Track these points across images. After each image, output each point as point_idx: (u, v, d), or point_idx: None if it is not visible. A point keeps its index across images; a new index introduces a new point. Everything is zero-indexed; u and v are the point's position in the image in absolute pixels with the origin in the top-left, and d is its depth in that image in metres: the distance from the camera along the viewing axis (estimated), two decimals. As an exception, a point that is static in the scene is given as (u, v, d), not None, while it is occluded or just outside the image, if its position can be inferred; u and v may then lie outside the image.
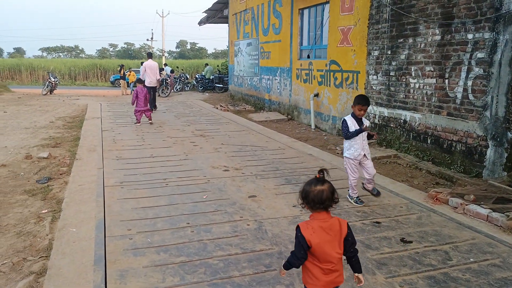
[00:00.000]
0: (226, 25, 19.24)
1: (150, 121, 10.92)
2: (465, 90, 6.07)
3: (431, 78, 6.71)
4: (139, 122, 10.76)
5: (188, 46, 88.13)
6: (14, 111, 13.59)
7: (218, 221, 4.35)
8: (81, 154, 7.25)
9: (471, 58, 5.95)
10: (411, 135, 7.25)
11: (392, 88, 7.69)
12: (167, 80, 21.39)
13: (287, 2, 12.02)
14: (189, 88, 25.00)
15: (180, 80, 24.49)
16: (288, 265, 2.26)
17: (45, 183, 5.71)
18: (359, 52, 8.65)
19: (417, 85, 7.05)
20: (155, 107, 14.03)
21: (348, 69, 9.12)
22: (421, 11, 6.86)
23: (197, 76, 25.53)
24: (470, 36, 5.96)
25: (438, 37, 6.54)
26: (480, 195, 4.79)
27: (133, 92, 11.10)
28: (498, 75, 5.55)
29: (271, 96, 13.83)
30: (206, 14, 21.70)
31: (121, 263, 3.43)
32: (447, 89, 6.40)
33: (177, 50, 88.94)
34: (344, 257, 2.29)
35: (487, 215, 4.37)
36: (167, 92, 20.29)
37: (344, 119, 4.77)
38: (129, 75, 23.83)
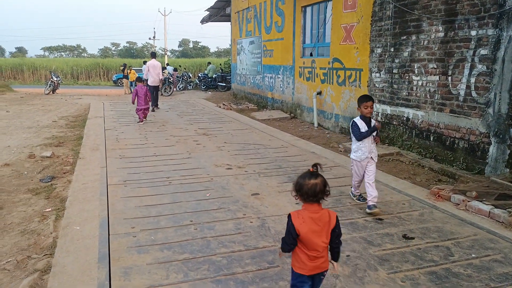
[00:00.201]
0: (229, 23, 19.25)
1: (144, 119, 10.97)
2: (468, 87, 6.06)
3: (434, 75, 6.70)
4: (142, 121, 10.84)
5: (191, 45, 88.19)
6: (17, 110, 13.66)
7: (221, 218, 4.37)
8: (84, 153, 7.29)
9: (474, 55, 5.93)
10: (413, 133, 7.25)
11: (395, 86, 7.69)
12: (170, 79, 21.42)
13: (289, 0, 12.02)
14: (192, 87, 25.06)
15: (182, 79, 24.53)
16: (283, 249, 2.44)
17: (49, 182, 5.75)
18: (362, 49, 8.65)
19: (420, 83, 7.04)
20: (157, 106, 14.14)
21: (351, 67, 9.12)
22: (424, 8, 6.85)
23: (199, 75, 25.59)
24: (473, 32, 5.95)
25: (441, 34, 6.53)
26: (482, 192, 4.79)
27: (133, 90, 11.19)
28: (501, 72, 5.54)
29: (273, 94, 13.83)
30: (208, 13, 21.70)
31: (125, 260, 3.46)
32: (450, 86, 6.39)
33: (180, 49, 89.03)
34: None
35: (489, 211, 4.37)
36: (169, 91, 20.33)
37: (354, 121, 4.62)
38: (129, 73, 23.87)
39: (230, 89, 20.58)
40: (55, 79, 22.26)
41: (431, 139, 6.82)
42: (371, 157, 4.63)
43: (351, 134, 4.69)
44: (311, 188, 2.34)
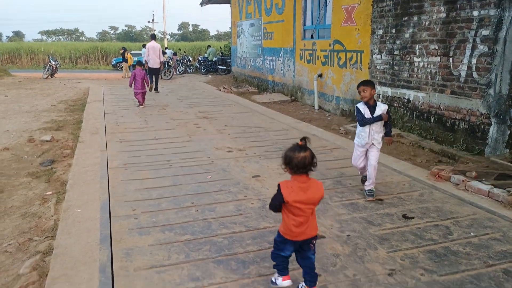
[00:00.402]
0: (229, 5, 18.99)
1: (142, 103, 10.87)
2: (469, 68, 6.01)
3: (436, 56, 6.64)
4: (142, 105, 10.80)
5: (190, 28, 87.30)
6: (15, 95, 13.61)
7: (222, 200, 4.39)
8: (84, 137, 7.28)
9: (476, 35, 5.86)
10: (414, 114, 7.22)
11: (396, 67, 7.63)
12: (170, 62, 21.27)
13: (289, -19, 11.84)
14: (192, 70, 24.90)
15: (182, 62, 24.35)
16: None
17: (49, 165, 5.76)
18: (363, 31, 8.55)
19: (421, 64, 6.98)
20: (156, 89, 14.07)
21: (352, 49, 9.03)
22: (425, -12, 6.75)
23: (199, 58, 25.37)
24: (475, 13, 5.87)
25: (443, 15, 6.44)
26: (482, 172, 4.79)
27: (131, 74, 11.13)
28: (502, 52, 5.48)
29: (274, 77, 13.75)
30: (207, -5, 21.39)
31: (127, 242, 3.49)
32: (451, 67, 6.33)
33: (179, 32, 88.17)
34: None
35: (488, 191, 4.39)
36: (169, 74, 20.21)
37: (357, 106, 4.52)
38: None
39: (231, 72, 20.45)
40: (53, 63, 22.09)
41: (432, 120, 6.80)
42: (373, 143, 4.48)
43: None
44: (300, 161, 2.49)
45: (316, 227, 2.63)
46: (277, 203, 2.55)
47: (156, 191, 4.65)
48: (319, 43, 10.44)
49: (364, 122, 4.41)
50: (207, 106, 10.94)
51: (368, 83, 4.42)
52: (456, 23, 6.19)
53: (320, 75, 10.39)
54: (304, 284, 2.72)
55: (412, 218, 3.92)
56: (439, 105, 6.61)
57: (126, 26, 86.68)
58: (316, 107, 10.54)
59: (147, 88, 11.13)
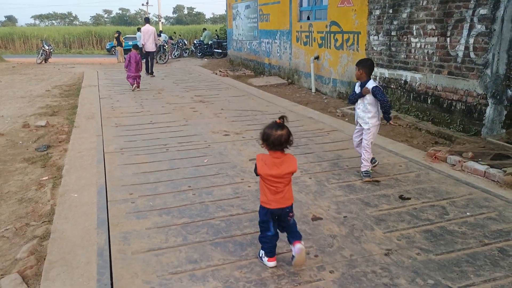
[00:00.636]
0: (223, -13, 18.69)
1: (138, 88, 10.87)
2: (466, 48, 5.96)
3: (433, 36, 6.57)
4: (133, 86, 10.79)
5: (185, 11, 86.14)
6: (9, 80, 13.46)
7: (219, 183, 4.39)
8: (80, 122, 7.23)
9: (474, 15, 5.80)
10: (411, 96, 7.19)
11: (393, 49, 7.56)
12: (165, 46, 21.02)
13: (284, -39, 11.63)
14: (188, 54, 24.64)
15: (178, 46, 24.08)
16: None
17: (44, 151, 5.73)
18: (360, 11, 8.44)
19: (418, 45, 6.92)
20: (152, 73, 14.02)
21: (348, 30, 8.93)
22: (423, -34, 6.64)
23: (195, 41, 25.09)
24: (473, -9, 5.79)
25: (440, -7, 6.35)
26: (478, 152, 4.80)
27: (126, 57, 11.09)
28: (500, 32, 5.43)
29: (271, 60, 13.63)
30: (202, -24, 21.03)
31: (124, 225, 3.49)
32: (449, 47, 6.28)
33: (174, 15, 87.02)
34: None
35: (485, 171, 4.40)
36: (165, 58, 20.00)
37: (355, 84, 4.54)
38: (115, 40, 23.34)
39: (227, 56, 20.26)
40: (47, 47, 21.81)
41: (429, 102, 6.78)
42: (360, 124, 4.48)
43: None
44: (277, 138, 2.64)
45: (291, 198, 2.81)
46: (255, 173, 2.79)
47: (153, 175, 4.64)
48: (316, 25, 10.32)
49: (349, 100, 4.56)
50: (203, 90, 10.86)
51: (358, 63, 4.44)
52: (454, 2, 6.11)
53: (316, 57, 10.30)
54: (292, 246, 2.83)
55: (409, 199, 3.94)
56: (436, 86, 6.58)
57: (120, 9, 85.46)
58: (313, 90, 10.49)
59: (140, 73, 11.08)
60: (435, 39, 6.52)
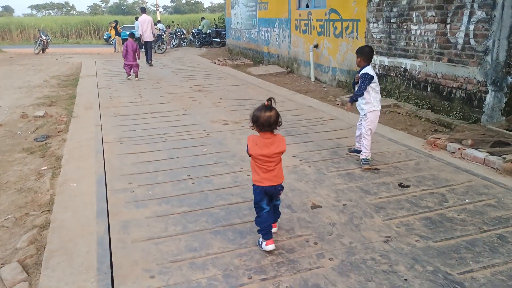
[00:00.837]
0: (221, -25, 18.48)
1: (136, 79, 10.87)
2: (466, 35, 5.91)
3: (433, 23, 6.51)
4: (130, 75, 10.83)
5: (183, 0, 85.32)
6: (7, 71, 13.39)
7: (218, 172, 4.38)
8: (78, 112, 7.20)
9: (474, 1, 5.74)
10: (411, 84, 7.15)
11: (392, 36, 7.50)
12: (163, 35, 20.87)
13: None
14: (186, 43, 24.47)
15: (176, 35, 23.90)
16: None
17: (43, 141, 5.71)
18: (358, -2, 8.35)
19: (418, 32, 6.86)
20: (151, 62, 14.07)
21: (348, 18, 8.85)
22: (423, -48, 6.55)
23: (193, 31, 24.89)
24: (473, -23, 5.72)
25: (440, -21, 6.28)
26: (478, 140, 4.79)
27: (123, 46, 11.10)
28: (500, 18, 5.38)
29: (269, 49, 13.54)
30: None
31: (124, 214, 3.49)
32: (449, 34, 6.23)
33: (172, 4, 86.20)
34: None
35: (484, 159, 4.40)
36: (163, 48, 19.87)
37: None
38: (110, 30, 23.11)
39: (225, 45, 20.13)
40: (44, 37, 21.63)
41: (429, 89, 6.74)
42: (359, 111, 4.54)
43: None
44: (266, 120, 2.76)
45: (282, 176, 2.93)
46: (247, 153, 2.88)
47: (152, 165, 4.63)
48: (315, 13, 10.22)
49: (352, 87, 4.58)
50: (202, 79, 10.81)
51: (357, 51, 4.49)
52: (455, -12, 6.05)
53: (316, 46, 10.23)
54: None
55: (408, 186, 3.94)
56: (436, 74, 6.54)
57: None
58: (312, 79, 10.44)
59: (139, 61, 11.07)
60: (435, 26, 6.46)
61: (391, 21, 7.48)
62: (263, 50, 14.10)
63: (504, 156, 4.32)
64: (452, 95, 6.26)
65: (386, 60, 7.73)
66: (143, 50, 14.31)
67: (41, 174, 4.52)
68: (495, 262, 2.75)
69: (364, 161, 4.42)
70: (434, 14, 6.47)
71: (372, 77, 4.30)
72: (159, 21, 25.13)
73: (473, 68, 5.84)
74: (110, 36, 26.09)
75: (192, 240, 3.08)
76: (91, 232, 3.23)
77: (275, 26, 12.75)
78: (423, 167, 4.44)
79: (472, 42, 5.82)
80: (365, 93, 4.36)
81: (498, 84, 5.49)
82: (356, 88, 4.44)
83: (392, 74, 7.61)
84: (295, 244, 3.00)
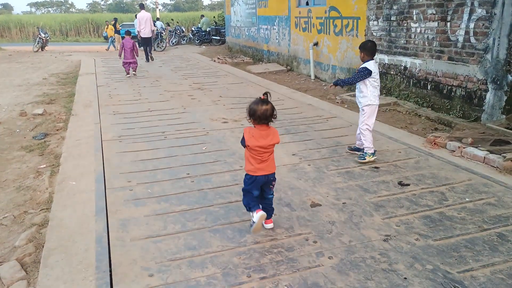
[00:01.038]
0: (220, -27, 18.44)
1: (134, 73, 11.00)
2: (467, 33, 5.90)
3: (433, 21, 6.50)
4: (129, 74, 10.84)
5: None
6: (6, 68, 13.36)
7: (218, 171, 4.37)
8: (77, 109, 7.18)
9: (474, -2, 5.72)
10: (411, 82, 7.14)
11: (393, 34, 7.48)
12: (163, 33, 20.82)
13: None
14: (185, 41, 24.41)
15: (175, 33, 23.84)
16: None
17: (42, 139, 5.70)
18: (358, -4, 8.33)
19: (418, 30, 6.84)
20: (151, 58, 14.24)
21: (348, 16, 8.83)
22: (424, -51, 6.52)
23: (193, 28, 24.84)
24: (474, -26, 5.70)
25: (440, -23, 6.26)
26: (478, 138, 4.78)
27: (120, 44, 11.14)
28: (500, 16, 5.36)
29: (269, 46, 13.51)
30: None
31: (123, 213, 3.48)
32: (449, 32, 6.21)
33: (172, 2, 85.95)
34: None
35: (484, 157, 4.39)
36: (162, 46, 19.82)
37: None
38: (107, 29, 23.02)
39: (225, 43, 20.09)
40: (43, 35, 21.56)
41: (429, 88, 6.73)
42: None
43: None
44: (263, 113, 2.90)
45: (274, 167, 3.09)
46: (243, 144, 3.03)
47: (151, 163, 4.62)
48: (315, 10, 10.20)
49: None
50: (202, 77, 10.78)
51: (359, 46, 4.60)
52: (455, -14, 6.03)
53: (315, 44, 10.21)
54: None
55: (408, 185, 3.93)
56: (436, 72, 6.53)
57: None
58: (312, 77, 10.42)
59: (137, 58, 11.11)
60: (435, 24, 6.44)
61: (391, 19, 7.46)
62: (262, 48, 14.08)
63: (504, 154, 4.31)
64: (452, 93, 6.25)
65: (386, 58, 7.71)
66: (141, 48, 14.33)
67: (39, 172, 4.51)
68: (495, 261, 2.74)
69: (360, 156, 4.50)
70: (434, 12, 6.45)
71: (370, 72, 4.36)
72: (157, 19, 25.08)
73: (473, 66, 5.82)
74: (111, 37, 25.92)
75: (191, 238, 3.07)
76: (89, 230, 3.22)
77: (275, 24, 12.73)
78: (423, 165, 4.43)
79: (472, 40, 5.81)
80: (362, 86, 4.46)
81: (498, 82, 5.48)
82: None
83: (392, 72, 7.59)
84: (295, 243, 2.99)
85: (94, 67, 12.87)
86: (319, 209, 3.49)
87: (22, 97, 8.54)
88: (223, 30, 21.08)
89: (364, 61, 4.48)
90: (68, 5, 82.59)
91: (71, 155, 4.90)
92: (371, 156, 4.48)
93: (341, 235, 3.09)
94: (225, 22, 19.20)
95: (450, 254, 2.83)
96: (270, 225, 3.19)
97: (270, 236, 3.08)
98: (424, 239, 3.01)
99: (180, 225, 3.27)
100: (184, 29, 26.42)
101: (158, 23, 22.94)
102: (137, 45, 11.23)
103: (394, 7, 7.34)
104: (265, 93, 2.96)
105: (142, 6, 14.46)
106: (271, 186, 3.11)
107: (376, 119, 4.65)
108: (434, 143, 5.01)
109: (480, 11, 5.64)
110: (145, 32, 13.87)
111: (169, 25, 24.23)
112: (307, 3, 10.78)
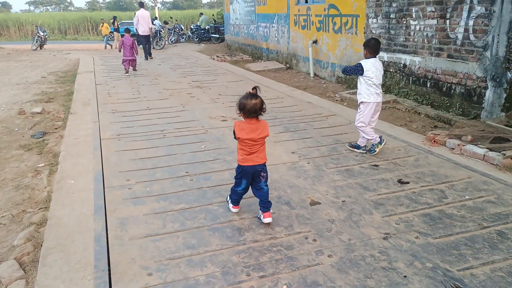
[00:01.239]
0: (219, -30, 18.39)
1: (134, 70, 11.13)
2: (466, 30, 5.88)
3: (432, 19, 6.48)
4: (128, 72, 10.86)
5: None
6: (4, 67, 13.33)
7: (217, 169, 4.35)
8: (76, 108, 7.16)
9: (474, -5, 5.71)
10: (410, 80, 7.13)
11: (392, 32, 7.46)
12: (161, 31, 20.78)
13: None
14: (184, 39, 24.36)
15: (174, 31, 23.78)
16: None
17: (40, 137, 5.68)
18: (357, -6, 8.31)
19: (417, 27, 6.82)
20: (150, 55, 14.34)
21: (347, 13, 8.80)
22: None
23: (192, 26, 24.78)
24: (473, -29, 5.68)
25: (440, -26, 6.24)
26: (478, 136, 4.77)
27: (119, 41, 11.20)
28: (500, 13, 5.35)
29: (268, 44, 13.48)
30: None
31: (121, 211, 3.47)
32: (448, 30, 6.20)
33: (171, 0, 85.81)
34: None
35: (484, 155, 4.38)
36: (161, 44, 19.78)
37: None
38: (102, 27, 22.93)
39: (224, 41, 20.05)
40: (42, 33, 21.51)
41: (428, 85, 6.72)
42: None
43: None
44: (252, 107, 3.00)
45: (264, 158, 3.19)
46: (234, 137, 3.15)
47: (150, 161, 4.60)
48: (314, 8, 10.17)
49: None
50: (201, 75, 10.76)
51: (363, 44, 4.61)
52: (454, -17, 6.01)
53: (315, 42, 10.19)
54: (260, 212, 3.23)
55: (407, 183, 3.92)
56: (436, 70, 6.52)
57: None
58: (311, 75, 10.40)
59: (136, 56, 11.16)
60: (435, 21, 6.43)
61: (390, 16, 7.44)
62: (262, 46, 14.05)
63: (504, 152, 4.31)
64: (452, 91, 6.24)
65: (385, 56, 7.69)
66: (140, 46, 14.36)
67: (38, 171, 4.49)
68: (495, 259, 2.73)
69: (375, 145, 4.61)
70: (433, 10, 6.43)
71: (363, 70, 4.43)
72: (155, 18, 25.01)
73: (473, 63, 5.81)
74: (109, 32, 25.82)
75: (190, 237, 3.06)
76: (88, 229, 3.21)
77: (274, 21, 12.69)
78: (422, 163, 4.42)
79: (472, 37, 5.79)
80: (358, 83, 4.59)
81: (497, 79, 5.47)
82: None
83: (391, 70, 7.57)
84: (294, 241, 2.99)
85: (93, 66, 12.84)
86: (318, 207, 3.48)
87: (20, 96, 8.52)
88: (222, 28, 21.04)
89: (366, 58, 4.50)
90: (66, 4, 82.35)
91: (70, 154, 4.88)
92: (379, 145, 4.60)
93: (340, 233, 3.08)
94: (224, 20, 19.16)
95: (450, 252, 2.82)
96: (268, 219, 3.19)
97: (269, 235, 3.07)
98: (423, 237, 3.00)
99: (179, 223, 3.26)
100: (183, 27, 26.36)
101: (156, 22, 22.89)
102: (137, 43, 11.24)
103: (393, 5, 7.32)
104: (254, 88, 3.05)
105: (141, 5, 14.55)
106: (261, 176, 3.19)
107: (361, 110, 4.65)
108: (434, 141, 5.00)
109: (479, 9, 5.63)
110: (144, 31, 13.93)
111: (166, 23, 24.15)
112: (306, 1, 10.75)
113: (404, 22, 7.11)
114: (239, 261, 2.77)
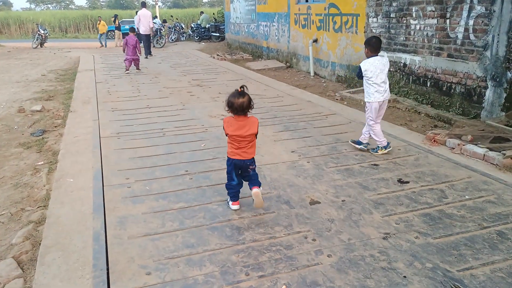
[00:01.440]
0: (220, -31, 18.37)
1: (137, 69, 11.14)
2: (466, 30, 5.86)
3: (432, 18, 6.46)
4: (128, 70, 10.86)
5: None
6: (4, 65, 13.32)
7: (216, 168, 4.34)
8: (75, 106, 7.15)
9: (474, -5, 5.69)
10: (410, 79, 7.11)
11: (392, 31, 7.45)
12: (162, 30, 20.75)
13: None
14: (185, 38, 24.34)
15: (175, 30, 23.76)
16: None
17: (40, 135, 5.67)
18: (358, -7, 8.29)
19: (417, 27, 6.81)
20: (150, 54, 14.50)
21: (347, 12, 8.79)
22: None
23: (192, 25, 24.75)
24: (474, -29, 5.67)
25: (441, -26, 6.22)
26: (478, 136, 4.76)
27: (123, 40, 11.21)
28: (500, 13, 5.33)
29: (269, 43, 13.47)
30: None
31: (120, 210, 3.46)
32: (448, 29, 6.18)
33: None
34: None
35: (484, 154, 4.37)
36: (161, 42, 19.76)
37: None
38: (99, 24, 22.88)
39: (224, 39, 20.03)
40: (42, 32, 21.49)
41: (428, 84, 6.70)
42: None
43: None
44: (239, 105, 3.11)
45: (253, 153, 3.30)
46: (225, 133, 3.27)
47: (149, 160, 4.59)
48: (314, 7, 10.15)
49: None
50: (201, 74, 10.75)
51: (364, 42, 4.65)
52: (455, -17, 5.99)
53: (315, 40, 10.17)
54: (251, 190, 3.30)
55: (407, 182, 3.91)
56: (436, 69, 6.50)
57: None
58: (312, 73, 10.38)
59: (139, 55, 11.19)
60: (435, 21, 6.41)
61: (391, 15, 7.42)
62: (262, 45, 14.03)
63: (504, 152, 4.30)
64: (452, 90, 6.23)
65: (385, 55, 7.67)
66: (141, 45, 14.40)
67: (37, 169, 4.48)
68: (495, 259, 2.72)
69: (379, 147, 4.60)
70: (433, 9, 6.41)
71: (361, 71, 4.47)
72: (155, 17, 24.97)
73: (473, 63, 5.80)
74: (109, 30, 25.75)
75: (189, 236, 3.05)
76: (87, 227, 3.20)
77: (274, 20, 12.68)
78: (422, 162, 4.41)
79: (472, 37, 5.78)
80: (363, 83, 4.60)
81: (497, 79, 5.46)
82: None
83: (391, 69, 7.55)
84: (293, 241, 2.98)
85: (93, 64, 12.83)
86: (318, 207, 3.47)
87: (20, 94, 8.51)
88: (223, 27, 21.01)
89: (368, 57, 4.51)
90: (67, 2, 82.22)
91: (69, 152, 4.87)
92: (383, 149, 4.60)
93: (340, 233, 3.07)
94: (225, 18, 19.13)
95: (450, 252, 2.81)
96: (256, 190, 3.27)
97: (268, 234, 3.06)
98: (423, 237, 3.00)
99: (178, 222, 3.26)
100: (183, 26, 26.32)
101: (156, 20, 22.85)
102: (138, 42, 11.29)
103: (394, 4, 7.30)
104: (242, 86, 3.16)
105: (143, 4, 14.67)
106: (249, 169, 3.31)
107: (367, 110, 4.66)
108: (434, 140, 4.99)
109: (479, 8, 5.61)
110: (145, 30, 14.04)
111: (165, 22, 24.11)
112: (306, 0, 10.73)
113: (404, 22, 7.10)
114: (238, 260, 2.76)
